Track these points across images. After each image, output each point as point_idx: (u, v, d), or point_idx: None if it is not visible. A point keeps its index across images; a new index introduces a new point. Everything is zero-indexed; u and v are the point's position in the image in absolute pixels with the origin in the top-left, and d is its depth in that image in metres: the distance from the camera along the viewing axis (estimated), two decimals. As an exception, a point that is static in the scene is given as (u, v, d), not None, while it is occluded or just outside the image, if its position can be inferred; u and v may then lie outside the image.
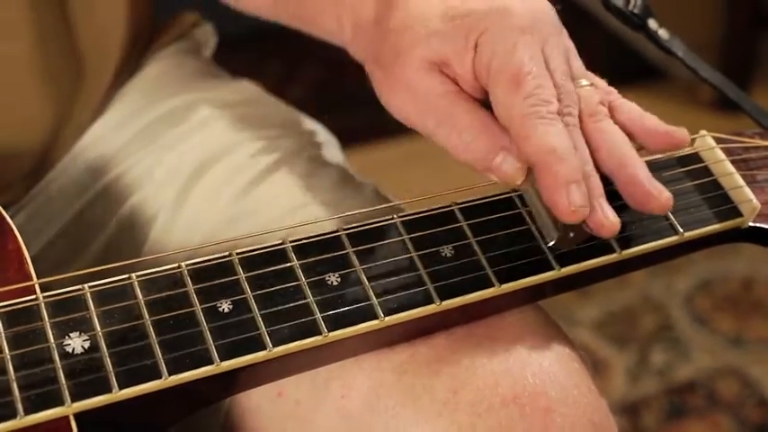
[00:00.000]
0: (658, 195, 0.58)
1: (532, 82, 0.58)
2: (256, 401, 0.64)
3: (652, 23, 0.72)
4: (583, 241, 0.59)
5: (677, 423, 1.52)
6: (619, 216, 0.61)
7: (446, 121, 0.60)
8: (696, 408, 1.54)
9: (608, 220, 0.57)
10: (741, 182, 0.64)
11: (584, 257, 0.60)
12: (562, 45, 0.61)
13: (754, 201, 0.64)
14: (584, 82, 0.61)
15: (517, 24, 0.59)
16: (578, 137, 0.59)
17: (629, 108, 0.62)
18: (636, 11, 0.71)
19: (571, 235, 0.59)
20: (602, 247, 0.60)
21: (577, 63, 0.62)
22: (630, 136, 0.61)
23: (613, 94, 0.63)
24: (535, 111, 0.57)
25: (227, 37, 0.93)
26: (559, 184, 0.56)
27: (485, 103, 0.60)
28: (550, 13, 0.62)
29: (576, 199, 0.56)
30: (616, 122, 0.61)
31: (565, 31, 0.62)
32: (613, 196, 0.59)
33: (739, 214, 0.64)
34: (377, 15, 0.64)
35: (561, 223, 0.58)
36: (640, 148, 0.62)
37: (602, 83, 0.64)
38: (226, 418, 0.67)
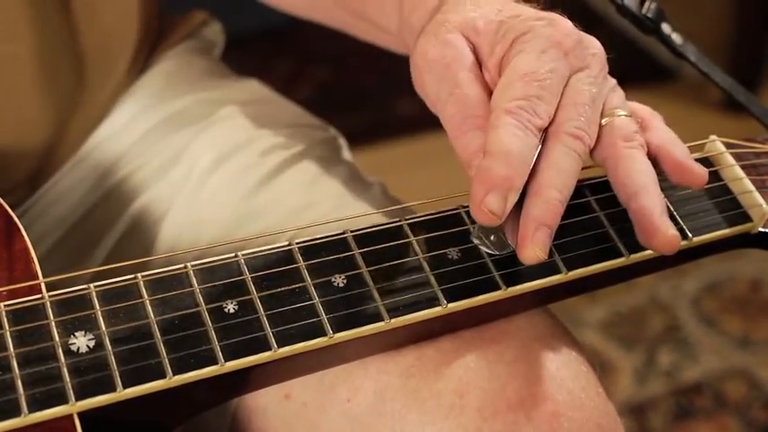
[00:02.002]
0: (665, 231, 0.57)
1: (536, 90, 0.57)
2: (263, 403, 0.64)
3: (665, 28, 0.72)
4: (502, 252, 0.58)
5: (684, 424, 1.52)
6: (625, 221, 0.61)
7: (459, 102, 0.59)
8: (703, 409, 1.53)
9: (532, 248, 0.55)
10: (751, 187, 0.64)
11: (591, 261, 0.60)
12: (601, 80, 0.60)
13: (764, 206, 0.63)
14: (620, 112, 0.60)
15: (558, 38, 0.59)
16: (571, 163, 0.57)
17: (665, 136, 0.62)
18: (649, 15, 0.71)
19: (492, 238, 0.58)
20: (610, 251, 0.60)
21: (617, 96, 0.61)
22: (657, 159, 0.61)
23: (656, 116, 0.63)
24: (516, 111, 0.56)
25: (235, 36, 0.93)
26: (485, 182, 0.55)
27: None
28: (601, 50, 0.61)
29: (490, 202, 0.55)
30: (647, 141, 0.61)
31: (610, 76, 0.62)
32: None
33: (749, 219, 0.64)
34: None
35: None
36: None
37: (644, 110, 0.63)
38: (233, 419, 0.67)
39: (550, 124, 0.58)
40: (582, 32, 0.61)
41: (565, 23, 0.60)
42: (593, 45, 0.61)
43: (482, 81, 0.60)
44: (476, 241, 0.59)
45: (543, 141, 0.58)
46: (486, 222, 0.56)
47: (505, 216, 0.56)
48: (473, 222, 0.59)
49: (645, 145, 0.60)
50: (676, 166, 0.60)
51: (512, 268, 0.58)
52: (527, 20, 0.60)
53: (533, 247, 0.55)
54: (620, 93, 0.62)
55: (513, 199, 0.56)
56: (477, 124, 0.58)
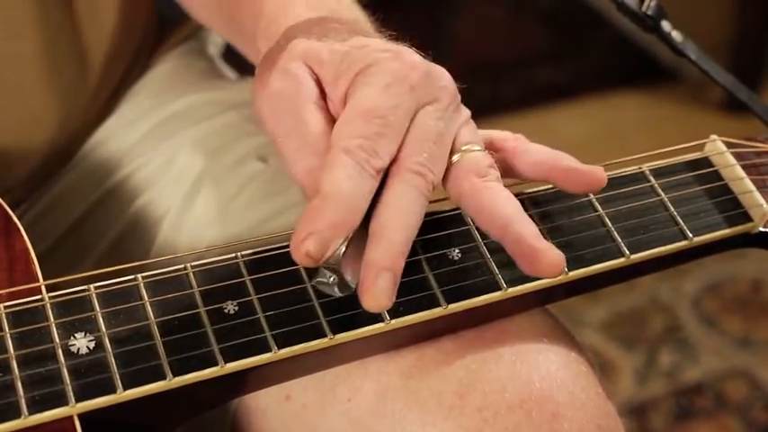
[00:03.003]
0: (546, 252, 0.53)
1: (377, 128, 0.54)
2: (264, 404, 0.64)
3: (665, 25, 0.72)
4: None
5: (685, 425, 1.52)
6: (626, 220, 0.60)
7: (300, 135, 0.56)
8: (704, 409, 1.53)
9: (374, 296, 0.52)
10: (752, 186, 0.64)
11: (592, 262, 0.60)
12: (449, 114, 0.57)
13: (765, 206, 0.63)
14: (475, 147, 0.57)
15: (403, 71, 0.56)
16: (413, 202, 0.54)
17: (539, 149, 0.59)
18: (649, 13, 0.71)
19: (330, 279, 0.54)
20: (611, 251, 0.60)
21: (470, 131, 0.58)
22: (545, 177, 0.59)
23: (520, 139, 0.60)
24: (356, 153, 0.53)
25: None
26: (309, 221, 0.52)
27: None
28: (450, 82, 0.58)
29: (309, 245, 0.51)
30: (531, 163, 0.59)
31: (462, 107, 0.59)
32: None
33: (749, 219, 0.64)
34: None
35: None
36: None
37: (506, 136, 0.61)
38: (233, 420, 0.67)
39: (393, 162, 0.55)
40: (430, 64, 0.58)
41: (411, 56, 0.57)
42: (443, 77, 0.57)
43: (327, 114, 0.57)
44: (315, 283, 0.55)
45: (386, 179, 0.55)
46: (303, 264, 0.52)
47: (324, 260, 0.53)
48: (464, 225, 0.59)
49: (500, 178, 0.57)
50: (567, 171, 0.58)
51: (512, 269, 0.58)
52: (372, 51, 0.56)
53: (375, 293, 0.52)
54: (472, 126, 0.59)
55: (335, 245, 0.52)
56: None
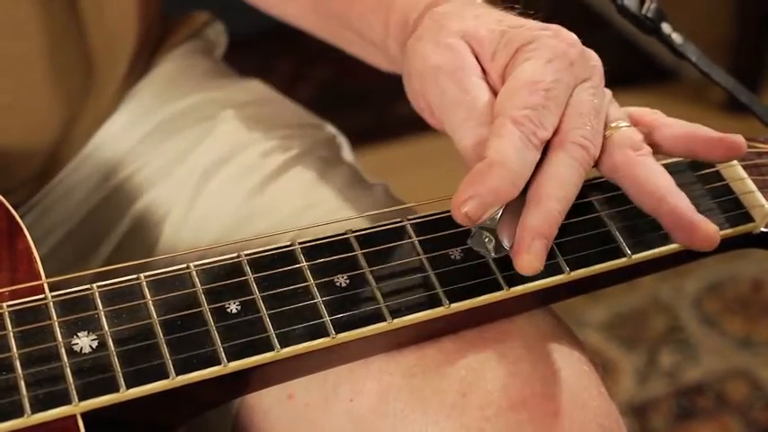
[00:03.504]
0: (705, 227, 0.57)
1: (542, 99, 0.56)
2: (266, 404, 0.64)
3: (665, 27, 0.72)
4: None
5: (686, 425, 1.52)
6: (628, 220, 0.60)
7: (469, 107, 0.58)
8: (705, 409, 1.53)
9: (527, 258, 0.55)
10: (753, 187, 0.64)
11: (593, 262, 0.60)
12: (601, 90, 0.60)
13: (766, 206, 0.63)
14: (623, 123, 0.60)
15: (563, 48, 0.59)
16: (568, 172, 0.56)
17: (675, 122, 0.62)
18: (649, 15, 0.71)
19: (485, 238, 0.57)
20: (613, 251, 0.60)
21: (617, 110, 0.61)
22: (686, 150, 0.61)
23: (658, 113, 0.63)
24: (522, 120, 0.56)
25: (237, 37, 0.93)
26: (473, 183, 0.54)
27: None
28: (600, 64, 0.61)
29: (470, 206, 0.54)
30: (671, 137, 0.61)
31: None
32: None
33: (751, 219, 0.64)
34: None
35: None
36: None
37: (644, 111, 0.63)
38: (235, 420, 0.67)
39: (555, 134, 0.57)
40: (579, 43, 0.60)
41: (569, 34, 0.60)
42: (593, 57, 0.61)
43: (489, 87, 0.59)
44: (471, 243, 0.58)
45: (547, 151, 0.57)
46: (458, 221, 0.55)
47: (480, 222, 0.55)
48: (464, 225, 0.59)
49: (651, 153, 0.60)
50: (708, 141, 0.60)
51: (513, 269, 0.58)
52: (531, 30, 0.60)
53: (529, 257, 0.55)
54: (616, 105, 0.61)
55: (493, 209, 0.55)
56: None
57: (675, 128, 0.62)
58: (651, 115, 0.63)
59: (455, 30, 0.60)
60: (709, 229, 0.57)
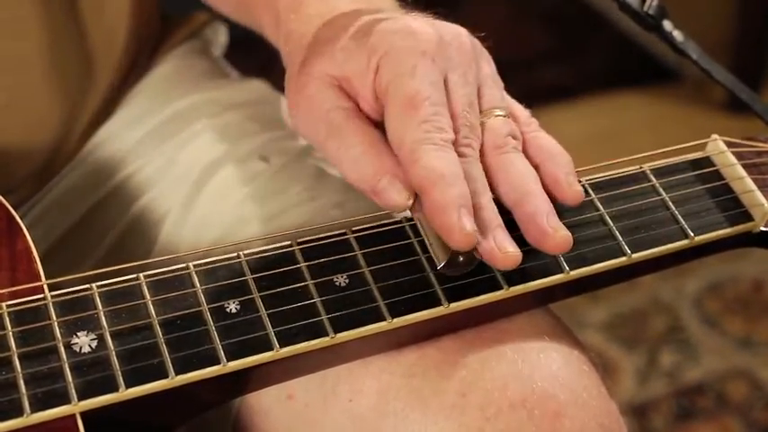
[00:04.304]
0: (553, 234, 0.56)
1: (429, 108, 0.56)
2: (266, 404, 0.64)
3: (667, 25, 0.72)
4: (472, 266, 0.57)
5: (686, 425, 1.52)
6: (628, 220, 0.60)
7: (336, 134, 0.58)
8: (705, 410, 1.53)
9: (502, 252, 0.55)
10: (753, 186, 0.64)
11: (593, 261, 0.60)
12: (472, 75, 0.59)
13: (766, 205, 0.63)
14: (497, 112, 0.60)
15: (420, 47, 0.57)
16: (475, 169, 0.57)
17: (542, 144, 0.60)
18: (651, 12, 0.71)
19: (460, 259, 0.56)
20: (612, 250, 0.60)
21: (493, 92, 0.60)
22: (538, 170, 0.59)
23: (532, 125, 0.61)
24: (428, 137, 0.55)
25: (237, 36, 0.93)
26: (448, 207, 0.54)
27: (382, 126, 0.59)
28: (465, 40, 0.60)
29: (465, 223, 0.54)
30: (527, 153, 0.60)
31: (484, 59, 0.61)
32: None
33: (750, 218, 0.64)
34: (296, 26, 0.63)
35: (450, 249, 0.56)
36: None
37: (522, 112, 0.62)
38: (235, 420, 0.67)
39: None
40: (440, 26, 0.59)
41: (422, 27, 0.58)
42: (454, 38, 0.59)
43: (359, 118, 0.59)
44: (444, 269, 0.57)
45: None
46: (469, 243, 0.54)
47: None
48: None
49: (518, 147, 0.59)
50: (551, 179, 0.59)
51: (514, 268, 0.58)
52: (384, 36, 0.58)
53: (556, 234, 0.56)
54: (493, 82, 0.60)
55: (473, 213, 0.55)
56: (390, 167, 0.57)
57: (537, 156, 0.60)
58: (525, 126, 0.61)
59: (315, 74, 0.59)
60: (557, 236, 0.56)
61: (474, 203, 0.56)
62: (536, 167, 0.59)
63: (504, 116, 0.60)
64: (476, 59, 0.60)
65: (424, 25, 0.59)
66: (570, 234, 0.57)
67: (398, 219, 0.60)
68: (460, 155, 0.57)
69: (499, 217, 0.57)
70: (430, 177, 0.55)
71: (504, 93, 0.62)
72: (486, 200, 0.56)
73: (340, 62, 0.59)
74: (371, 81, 0.58)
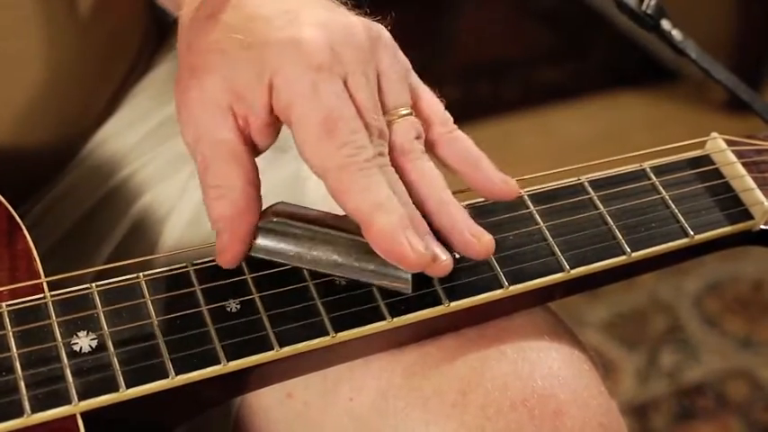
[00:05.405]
0: (477, 240, 0.56)
1: (345, 128, 0.53)
2: (266, 403, 0.64)
3: (665, 24, 0.72)
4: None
5: (686, 425, 1.52)
6: (627, 218, 0.60)
7: (214, 169, 0.55)
8: (705, 410, 1.53)
9: (436, 262, 0.54)
10: (752, 184, 0.64)
11: (593, 260, 0.60)
12: (372, 72, 0.56)
13: (766, 203, 0.63)
14: (402, 111, 0.57)
15: (312, 61, 0.54)
16: (392, 177, 0.55)
17: (463, 146, 0.59)
18: (649, 11, 0.71)
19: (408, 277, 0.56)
20: (612, 249, 0.60)
21: (395, 87, 0.57)
22: (458, 173, 0.58)
23: (448, 124, 0.59)
24: (352, 161, 0.53)
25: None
26: (396, 235, 0.53)
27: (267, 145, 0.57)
28: (359, 36, 0.56)
29: (417, 245, 0.53)
30: (444, 156, 0.58)
31: (382, 48, 0.57)
32: None
33: (750, 217, 0.64)
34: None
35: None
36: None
37: (437, 108, 0.59)
38: (235, 419, 0.67)
39: None
40: (326, 23, 0.56)
41: (309, 36, 0.55)
42: (345, 33, 0.56)
43: (245, 152, 0.56)
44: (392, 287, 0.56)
45: None
46: (424, 264, 0.53)
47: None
48: (476, 219, 0.58)
49: (423, 151, 0.57)
50: (483, 179, 0.58)
51: (513, 267, 0.59)
52: (273, 52, 0.55)
53: (480, 240, 0.56)
54: (395, 75, 0.57)
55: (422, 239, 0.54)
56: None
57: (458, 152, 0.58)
58: (440, 127, 0.59)
59: (203, 81, 0.56)
60: (482, 246, 0.56)
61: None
62: (461, 170, 0.58)
63: (409, 114, 0.57)
64: (373, 53, 0.57)
65: (312, 30, 0.55)
66: (492, 237, 0.56)
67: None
68: (377, 168, 0.54)
69: (425, 223, 0.55)
70: (366, 210, 0.53)
71: (412, 77, 0.59)
72: (412, 207, 0.55)
73: (229, 76, 0.55)
74: (266, 99, 0.55)
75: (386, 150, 0.56)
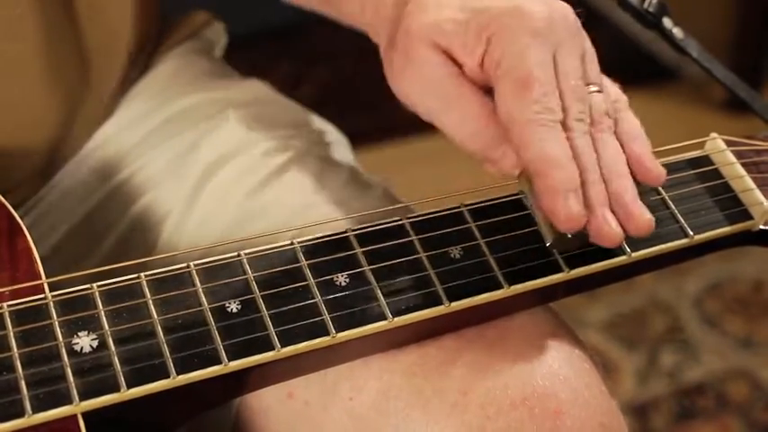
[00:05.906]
0: (639, 216, 0.58)
1: (540, 89, 0.58)
2: (266, 402, 0.64)
3: (666, 22, 0.72)
4: (584, 245, 0.59)
5: (686, 425, 1.52)
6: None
7: (453, 105, 0.60)
8: (705, 410, 1.53)
9: (610, 228, 0.57)
10: (752, 184, 0.64)
11: (593, 260, 0.60)
12: (577, 50, 0.61)
13: (765, 204, 0.63)
14: (593, 88, 0.61)
15: (531, 26, 0.59)
16: (586, 144, 0.59)
17: (627, 127, 0.62)
18: (651, 9, 0.71)
19: (569, 236, 0.58)
20: (612, 249, 0.60)
21: (592, 67, 0.62)
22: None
23: (620, 101, 0.63)
24: (538, 118, 0.57)
25: (237, 36, 0.93)
26: (556, 192, 0.56)
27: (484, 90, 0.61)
28: (569, 16, 0.61)
29: (571, 207, 0.56)
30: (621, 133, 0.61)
31: (583, 34, 0.62)
32: None
33: (750, 217, 0.64)
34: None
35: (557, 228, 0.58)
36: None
37: (614, 88, 0.63)
38: (236, 418, 0.67)
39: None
40: (546, 2, 0.61)
41: (531, 7, 0.60)
42: (561, 16, 0.61)
43: (468, 83, 0.60)
44: (553, 247, 0.59)
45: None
46: (576, 226, 0.57)
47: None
48: (479, 221, 0.60)
49: (611, 127, 0.61)
50: (633, 161, 0.61)
51: (513, 267, 0.59)
52: (494, 16, 0.60)
53: (641, 217, 0.58)
54: (590, 57, 0.62)
55: (581, 192, 0.57)
56: (504, 136, 0.59)
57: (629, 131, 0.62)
58: (615, 98, 0.63)
59: (419, 35, 0.61)
60: (641, 222, 0.58)
61: (583, 179, 0.57)
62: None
63: (599, 92, 0.61)
64: (580, 35, 0.62)
65: (533, 3, 0.60)
66: (652, 217, 0.59)
67: (398, 218, 0.60)
68: (573, 129, 0.58)
69: (605, 193, 0.58)
70: (540, 161, 0.57)
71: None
72: (596, 176, 0.58)
73: (447, 32, 0.60)
74: (480, 54, 0.59)
75: (587, 119, 0.59)
